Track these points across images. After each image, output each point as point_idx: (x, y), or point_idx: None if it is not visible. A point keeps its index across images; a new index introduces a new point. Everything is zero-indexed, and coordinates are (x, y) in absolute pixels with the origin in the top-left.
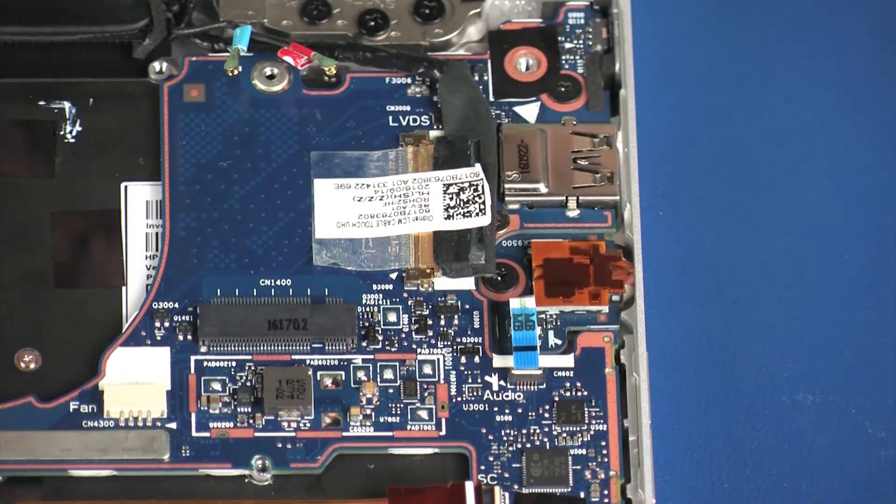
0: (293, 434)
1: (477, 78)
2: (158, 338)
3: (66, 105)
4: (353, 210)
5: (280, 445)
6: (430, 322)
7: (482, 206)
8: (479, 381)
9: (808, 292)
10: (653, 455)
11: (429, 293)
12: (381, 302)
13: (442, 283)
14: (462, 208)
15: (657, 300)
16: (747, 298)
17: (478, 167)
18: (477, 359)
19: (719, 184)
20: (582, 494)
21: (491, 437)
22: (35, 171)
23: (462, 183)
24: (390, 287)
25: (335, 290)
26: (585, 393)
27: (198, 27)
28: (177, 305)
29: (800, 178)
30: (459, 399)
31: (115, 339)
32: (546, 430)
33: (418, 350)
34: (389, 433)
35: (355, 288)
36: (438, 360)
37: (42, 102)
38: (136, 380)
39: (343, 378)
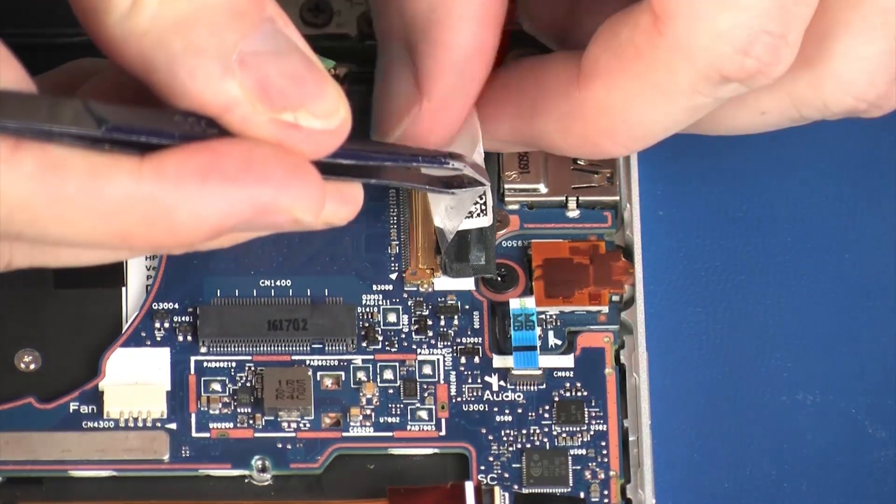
0: (293, 434)
1: None
2: (158, 338)
3: None
4: None
5: (280, 446)
6: (430, 322)
7: (482, 207)
8: (479, 381)
9: (808, 292)
10: (653, 455)
11: (429, 293)
12: (381, 302)
13: (442, 283)
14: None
15: (657, 300)
16: (747, 298)
17: None
18: (477, 359)
19: (719, 184)
20: (582, 494)
21: (491, 438)
22: None
23: None
24: (390, 287)
25: (335, 291)
26: (585, 393)
27: None
28: (177, 306)
29: (800, 178)
30: (459, 399)
31: (115, 340)
32: (546, 430)
33: (418, 350)
34: (389, 433)
35: (355, 288)
36: (438, 360)
37: None
38: (136, 380)
39: (343, 378)
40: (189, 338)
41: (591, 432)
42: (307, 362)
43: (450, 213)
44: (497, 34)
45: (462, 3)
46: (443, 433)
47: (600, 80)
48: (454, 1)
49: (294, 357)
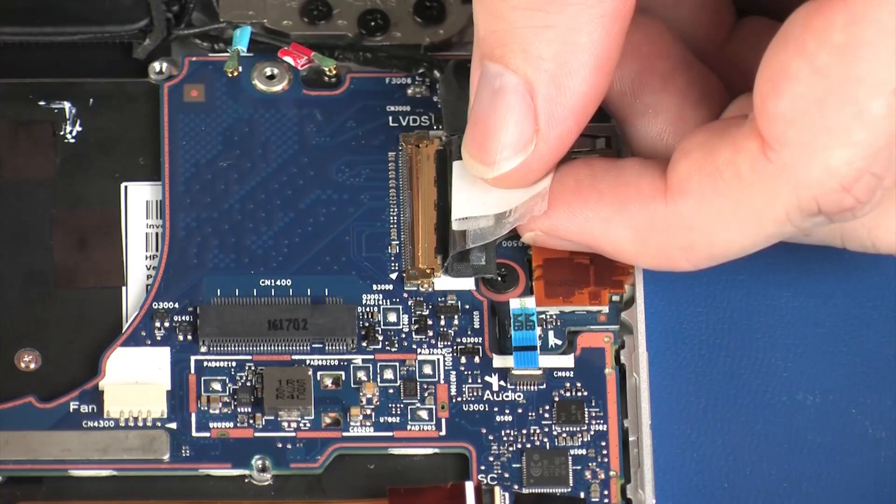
0: (293, 434)
1: None
2: (158, 338)
3: (66, 105)
4: None
5: (280, 445)
6: (430, 322)
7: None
8: (479, 381)
9: (808, 292)
10: (653, 455)
11: (429, 293)
12: (381, 302)
13: (442, 283)
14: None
15: (657, 300)
16: (747, 298)
17: None
18: (477, 359)
19: None
20: (582, 494)
21: (491, 438)
22: (35, 171)
23: None
24: (390, 287)
25: (335, 290)
26: (585, 393)
27: (198, 27)
28: (177, 305)
29: None
30: (459, 399)
31: (115, 339)
32: (546, 430)
33: (418, 350)
34: (389, 433)
35: (355, 288)
36: (438, 360)
37: (42, 102)
38: (136, 380)
39: (343, 378)
40: (189, 337)
41: (591, 432)
42: (307, 362)
43: (472, 221)
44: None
45: (590, 51)
46: (443, 433)
47: (692, 199)
48: (583, 48)
49: (294, 357)
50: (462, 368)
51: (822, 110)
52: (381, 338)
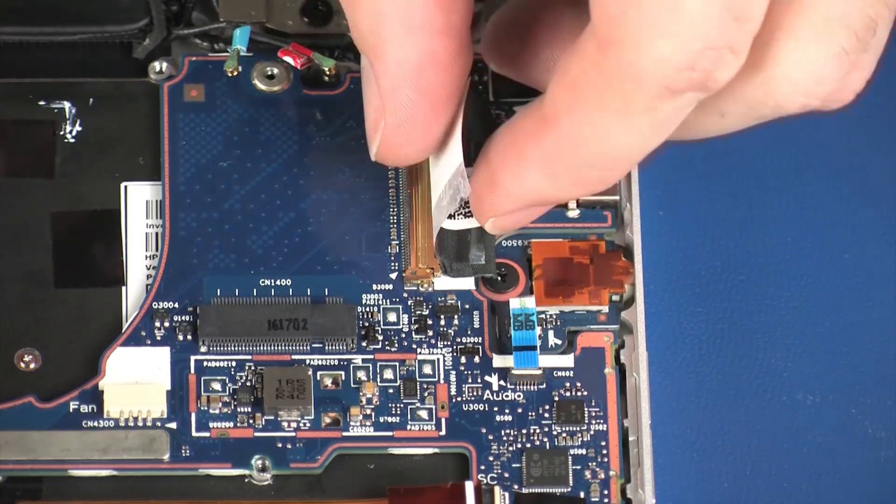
0: (293, 434)
1: (477, 78)
2: (158, 338)
3: (66, 105)
4: None
5: (280, 445)
6: (430, 322)
7: None
8: (479, 381)
9: (808, 292)
10: (653, 455)
11: (429, 293)
12: (381, 302)
13: (442, 283)
14: (463, 208)
15: (657, 300)
16: (747, 298)
17: None
18: (477, 359)
19: (719, 183)
20: (582, 494)
21: (491, 437)
22: (35, 171)
23: None
24: (390, 287)
25: (335, 290)
26: (585, 393)
27: (198, 27)
28: (177, 305)
29: (800, 178)
30: (459, 399)
31: (115, 339)
32: (546, 430)
33: (418, 350)
34: (389, 433)
35: (355, 288)
36: (438, 360)
37: (42, 102)
38: (136, 380)
39: (343, 378)
40: (189, 337)
41: (591, 432)
42: (307, 362)
43: (439, 208)
44: (455, 42)
45: (400, 14)
46: (443, 433)
47: (565, 118)
48: (391, 13)
49: (294, 357)
50: (462, 368)
51: (641, 4)
52: (380, 338)
